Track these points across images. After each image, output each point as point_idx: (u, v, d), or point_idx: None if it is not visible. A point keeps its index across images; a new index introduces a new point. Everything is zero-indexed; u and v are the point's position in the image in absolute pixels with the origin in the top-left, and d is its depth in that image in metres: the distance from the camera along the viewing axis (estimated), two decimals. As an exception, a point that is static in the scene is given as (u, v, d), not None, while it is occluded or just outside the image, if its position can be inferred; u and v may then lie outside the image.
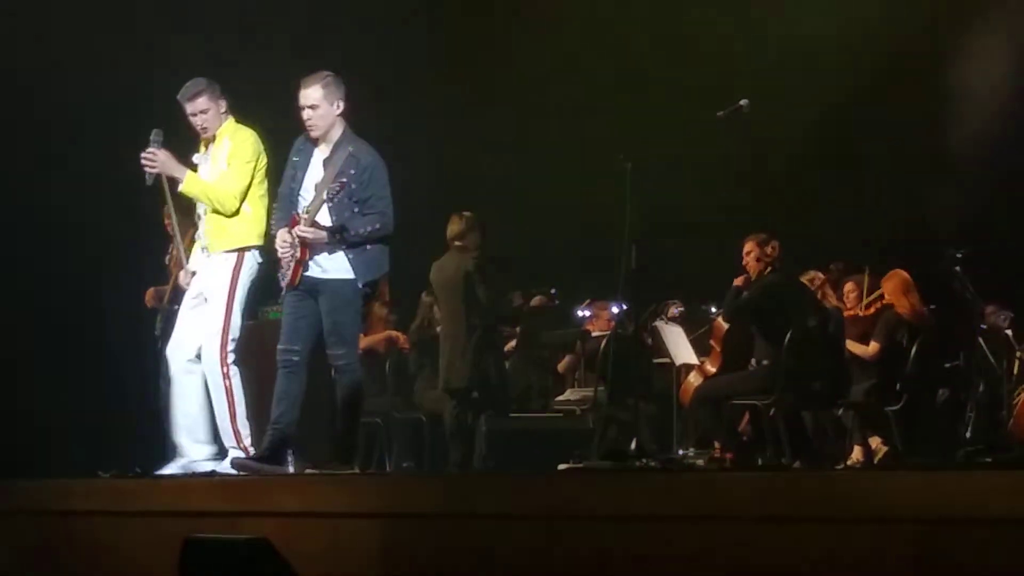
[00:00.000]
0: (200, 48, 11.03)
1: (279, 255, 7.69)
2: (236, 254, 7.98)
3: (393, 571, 6.08)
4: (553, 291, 11.25)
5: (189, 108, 7.98)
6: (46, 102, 11.46)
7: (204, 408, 8.04)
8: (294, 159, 7.82)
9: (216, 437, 8.10)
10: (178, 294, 8.32)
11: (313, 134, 7.73)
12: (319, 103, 7.65)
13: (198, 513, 6.79)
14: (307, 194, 7.71)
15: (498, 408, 10.40)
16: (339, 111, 7.71)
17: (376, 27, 12.42)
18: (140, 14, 11.49)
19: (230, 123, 8.09)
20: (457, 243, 10.19)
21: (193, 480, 7.72)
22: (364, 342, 11.69)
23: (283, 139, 7.98)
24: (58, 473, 8.36)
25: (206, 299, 8.01)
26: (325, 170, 7.67)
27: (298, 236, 7.57)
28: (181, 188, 8.07)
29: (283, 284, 7.74)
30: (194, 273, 8.13)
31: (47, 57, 11.42)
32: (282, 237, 7.68)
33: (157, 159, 7.98)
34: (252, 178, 8.00)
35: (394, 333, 11.70)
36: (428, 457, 11.06)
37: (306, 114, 7.68)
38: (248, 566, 5.52)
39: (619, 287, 7.76)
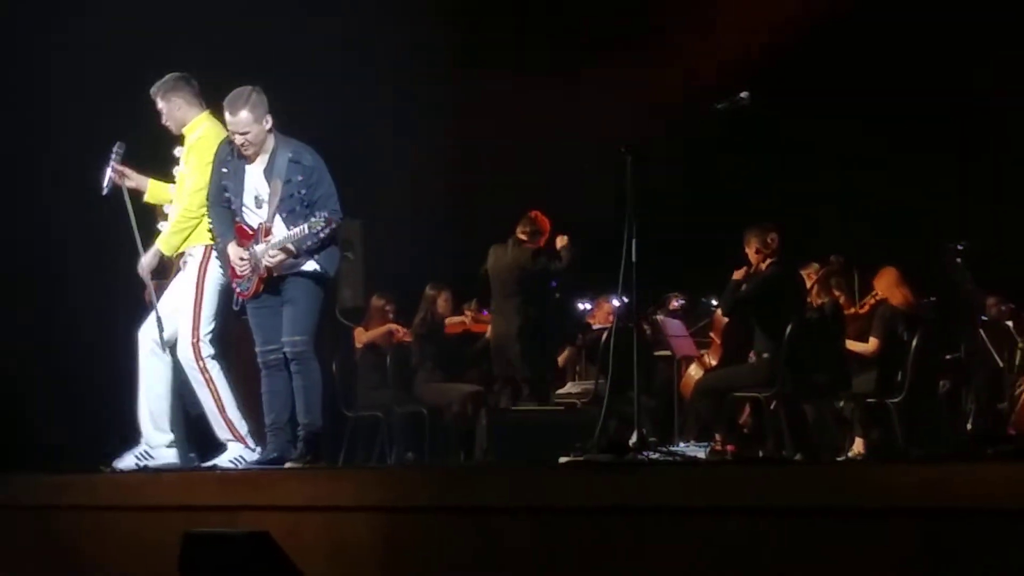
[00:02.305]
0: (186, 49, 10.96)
1: (238, 271, 7.64)
2: (202, 250, 7.95)
3: (394, 564, 6.07)
4: (553, 284, 11.25)
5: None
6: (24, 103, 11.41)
7: (167, 396, 8.05)
8: (223, 170, 7.70)
9: (176, 427, 8.14)
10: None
11: (247, 153, 7.60)
12: (250, 127, 7.53)
13: (199, 507, 6.80)
14: (251, 205, 7.64)
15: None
16: (268, 126, 7.60)
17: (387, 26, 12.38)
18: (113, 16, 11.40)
19: (203, 115, 8.10)
20: (522, 237, 10.63)
21: (194, 474, 7.72)
22: (365, 336, 11.72)
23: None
24: (56, 467, 8.36)
25: (177, 295, 8.04)
26: (269, 182, 7.58)
27: (265, 264, 7.52)
28: (146, 198, 8.27)
29: (241, 293, 7.69)
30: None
31: (26, 59, 11.38)
32: (237, 254, 7.62)
33: (126, 174, 8.17)
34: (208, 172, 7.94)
35: (394, 326, 11.70)
36: (429, 450, 11.06)
37: (239, 140, 7.55)
38: (249, 560, 5.53)
39: (620, 280, 7.73)
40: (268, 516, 6.33)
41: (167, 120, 8.12)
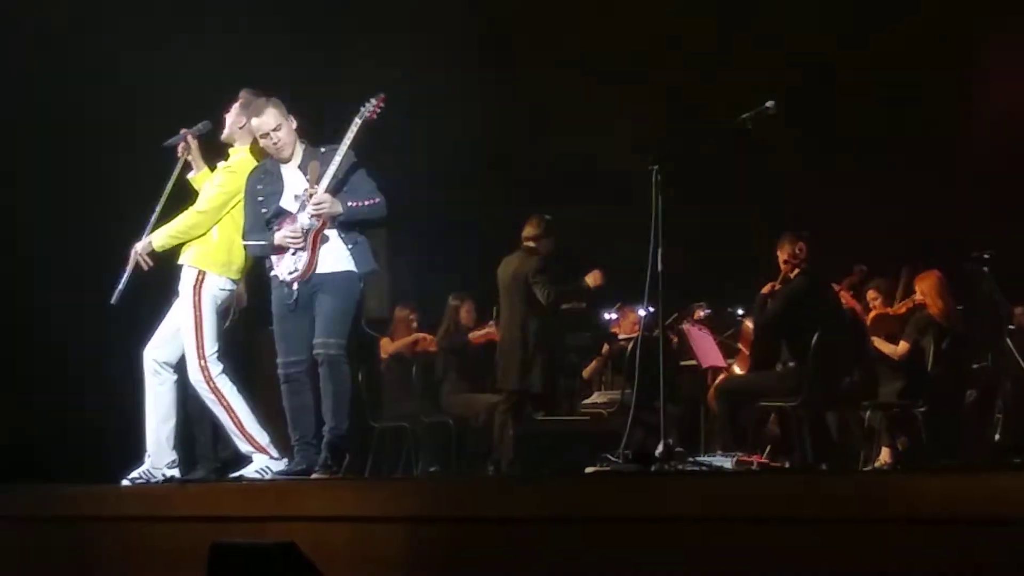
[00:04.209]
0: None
1: (292, 244, 7.60)
2: (196, 271, 8.02)
3: (420, 575, 6.07)
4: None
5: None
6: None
7: (171, 416, 8.10)
8: (258, 187, 7.79)
9: (180, 444, 8.21)
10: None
11: (284, 154, 7.72)
12: (281, 122, 7.71)
13: (225, 518, 6.81)
14: (291, 204, 7.69)
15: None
16: (295, 125, 7.78)
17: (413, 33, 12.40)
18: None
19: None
20: (529, 244, 10.30)
21: (220, 485, 7.74)
22: (392, 347, 11.74)
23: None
24: (85, 479, 8.40)
25: (177, 318, 8.10)
26: (306, 172, 7.68)
27: (314, 210, 7.54)
28: (192, 176, 8.40)
29: (295, 276, 7.65)
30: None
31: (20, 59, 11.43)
32: (284, 233, 7.62)
33: (191, 147, 8.36)
34: (224, 204, 8.05)
35: (420, 335, 11.72)
36: (455, 461, 11.06)
37: (273, 138, 7.69)
38: (275, 571, 5.52)
39: (646, 290, 7.73)
40: (295, 527, 6.34)
41: (227, 124, 8.21)
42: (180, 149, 8.41)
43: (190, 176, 8.42)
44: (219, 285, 8.04)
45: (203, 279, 7.99)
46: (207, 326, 7.95)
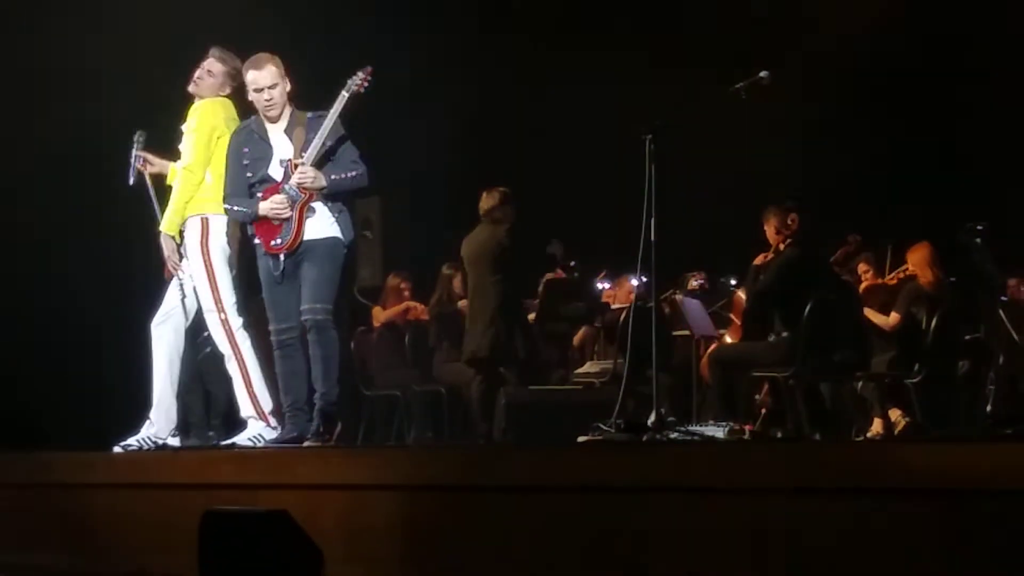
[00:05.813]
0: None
1: (278, 214, 7.57)
2: (199, 220, 7.92)
3: (412, 542, 6.09)
4: (573, 263, 11.23)
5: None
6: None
7: (175, 383, 8.02)
8: (244, 149, 7.74)
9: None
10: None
11: (273, 113, 7.69)
12: (277, 81, 7.68)
13: (217, 485, 6.81)
14: (276, 171, 7.67)
15: (524, 380, 10.42)
16: (288, 88, 7.75)
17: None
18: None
19: (218, 99, 8.08)
20: (491, 216, 10.23)
21: (213, 452, 7.74)
22: (384, 315, 11.74)
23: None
24: (77, 445, 8.39)
25: (190, 276, 7.99)
26: (291, 136, 7.67)
27: (299, 182, 7.53)
28: (169, 181, 8.22)
29: (280, 247, 7.63)
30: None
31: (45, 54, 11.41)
32: (271, 203, 7.59)
33: (149, 160, 8.21)
34: (208, 142, 7.92)
35: (411, 304, 11.72)
36: (447, 429, 11.07)
37: (266, 95, 7.66)
38: (267, 538, 5.53)
39: (639, 260, 7.71)
40: (287, 494, 6.34)
41: (199, 80, 8.07)
42: (140, 168, 8.22)
43: (168, 182, 8.23)
44: (224, 230, 7.94)
45: (208, 227, 7.90)
46: (220, 277, 7.87)
